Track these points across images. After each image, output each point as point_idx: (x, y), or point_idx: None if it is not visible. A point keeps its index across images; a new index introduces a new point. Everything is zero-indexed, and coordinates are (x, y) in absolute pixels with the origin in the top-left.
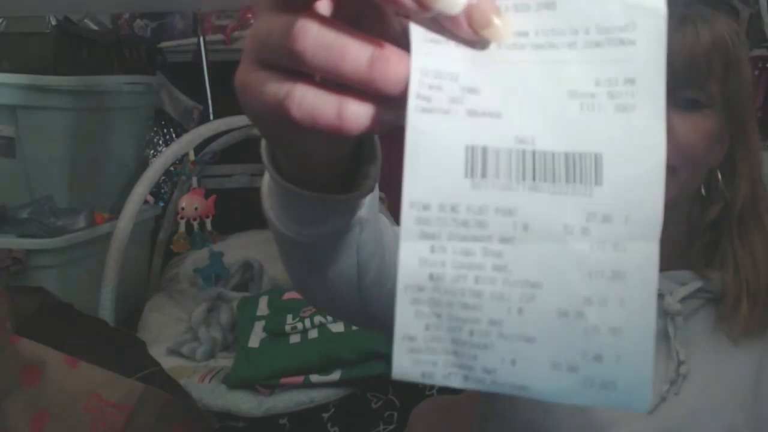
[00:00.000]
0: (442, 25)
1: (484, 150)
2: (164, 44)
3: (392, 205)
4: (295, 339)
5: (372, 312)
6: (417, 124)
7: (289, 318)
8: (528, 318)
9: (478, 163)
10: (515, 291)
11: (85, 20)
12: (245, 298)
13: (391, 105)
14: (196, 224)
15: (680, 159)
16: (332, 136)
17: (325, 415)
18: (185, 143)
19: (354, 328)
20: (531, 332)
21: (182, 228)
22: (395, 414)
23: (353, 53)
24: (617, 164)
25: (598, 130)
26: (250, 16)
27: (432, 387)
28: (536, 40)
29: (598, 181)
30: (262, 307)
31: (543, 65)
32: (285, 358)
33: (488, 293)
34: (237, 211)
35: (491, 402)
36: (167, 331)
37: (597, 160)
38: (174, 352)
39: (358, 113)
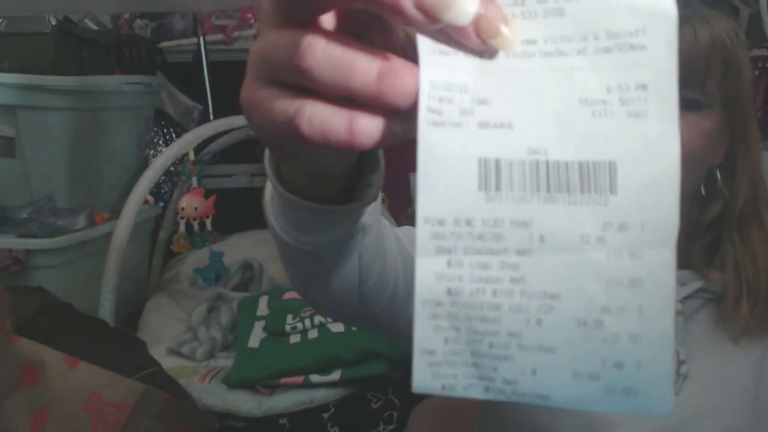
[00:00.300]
0: (450, 36)
1: (497, 162)
2: (164, 44)
3: (392, 205)
4: (295, 339)
5: (372, 315)
6: (428, 138)
7: (289, 318)
8: (547, 329)
9: (491, 175)
10: (533, 302)
11: (85, 20)
12: (245, 298)
13: (401, 117)
14: (196, 224)
15: None
16: (342, 150)
17: (325, 415)
18: (185, 143)
19: (354, 328)
20: (550, 342)
21: (182, 228)
22: (395, 414)
23: (362, 68)
24: (631, 171)
25: (611, 137)
26: (250, 16)
27: None
28: (545, 48)
29: (612, 189)
30: (262, 307)
31: (553, 73)
32: (285, 358)
33: (506, 306)
34: (237, 211)
35: (491, 402)
36: (167, 331)
37: (611, 168)
38: (174, 352)
39: (368, 128)
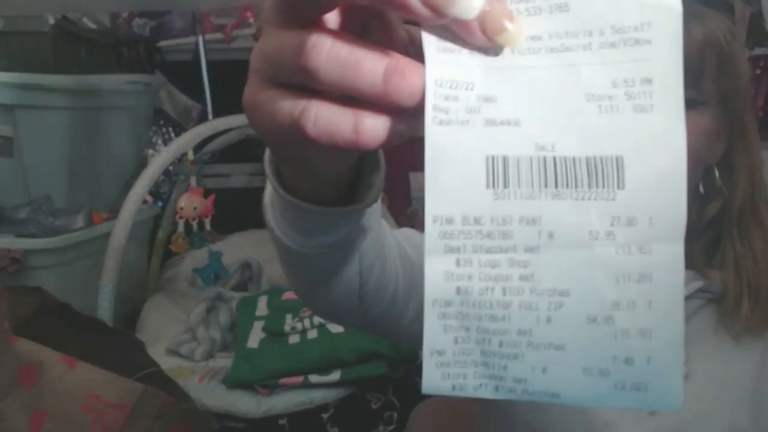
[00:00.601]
0: (455, 33)
1: (505, 159)
2: (163, 43)
3: (392, 205)
4: (294, 339)
5: (372, 317)
6: (435, 137)
7: (289, 318)
8: (557, 326)
9: (499, 173)
10: (543, 300)
11: (84, 19)
12: (244, 298)
13: (406, 116)
14: (195, 224)
15: None
16: (347, 150)
17: (325, 416)
18: (184, 143)
19: None
20: (560, 340)
21: (181, 228)
22: (395, 414)
23: (368, 68)
24: (639, 166)
25: (617, 132)
26: (249, 15)
27: None
28: (550, 44)
29: (620, 184)
30: (262, 307)
31: (558, 69)
32: (284, 359)
33: (516, 304)
34: (236, 211)
35: (491, 402)
36: (166, 331)
37: (618, 163)
38: (173, 352)
39: (374, 127)
